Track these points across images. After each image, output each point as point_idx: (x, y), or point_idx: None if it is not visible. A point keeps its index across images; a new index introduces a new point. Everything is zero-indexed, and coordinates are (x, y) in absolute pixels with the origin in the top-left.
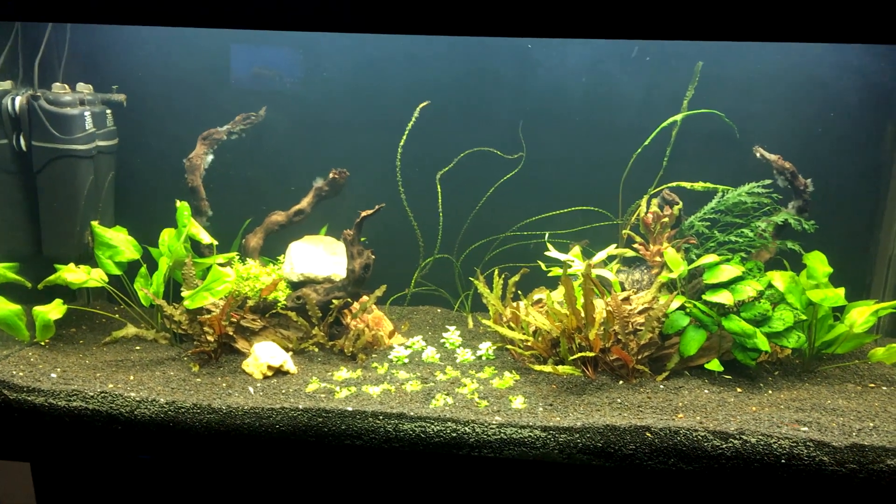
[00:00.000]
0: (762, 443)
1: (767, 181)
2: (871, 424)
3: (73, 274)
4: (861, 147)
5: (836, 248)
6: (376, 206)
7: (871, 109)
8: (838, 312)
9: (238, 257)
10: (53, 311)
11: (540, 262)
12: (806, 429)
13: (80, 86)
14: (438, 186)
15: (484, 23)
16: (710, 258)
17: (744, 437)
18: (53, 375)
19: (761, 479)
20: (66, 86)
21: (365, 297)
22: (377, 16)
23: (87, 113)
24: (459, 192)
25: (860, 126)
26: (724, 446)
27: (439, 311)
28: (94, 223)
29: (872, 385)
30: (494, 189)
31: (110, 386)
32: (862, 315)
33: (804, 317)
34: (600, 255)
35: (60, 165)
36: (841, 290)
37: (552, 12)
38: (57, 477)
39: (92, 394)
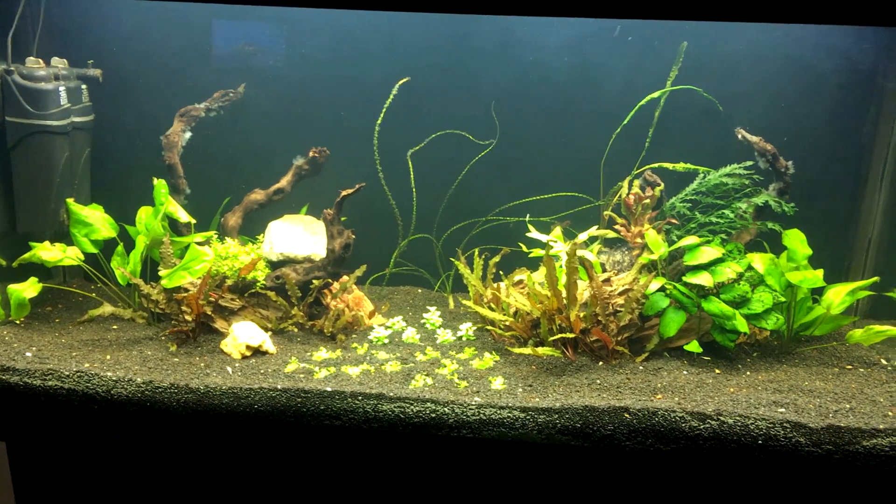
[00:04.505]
0: (739, 423)
1: (749, 163)
2: (848, 406)
3: (48, 252)
4: (842, 129)
5: (816, 230)
6: (357, 185)
7: (852, 91)
8: (818, 294)
9: (216, 236)
10: (28, 289)
11: (521, 244)
12: None
13: (55, 60)
14: (410, 165)
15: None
16: (691, 240)
17: (721, 418)
18: (29, 354)
19: (738, 459)
20: (41, 60)
21: (345, 277)
22: None
23: (61, 88)
24: (442, 172)
25: (842, 108)
26: (702, 427)
27: (420, 291)
28: (70, 200)
29: (849, 367)
30: (474, 169)
31: (86, 365)
32: (838, 296)
33: (783, 298)
34: (582, 237)
35: (35, 141)
36: (819, 272)
37: None
38: (33, 456)
39: (68, 373)
